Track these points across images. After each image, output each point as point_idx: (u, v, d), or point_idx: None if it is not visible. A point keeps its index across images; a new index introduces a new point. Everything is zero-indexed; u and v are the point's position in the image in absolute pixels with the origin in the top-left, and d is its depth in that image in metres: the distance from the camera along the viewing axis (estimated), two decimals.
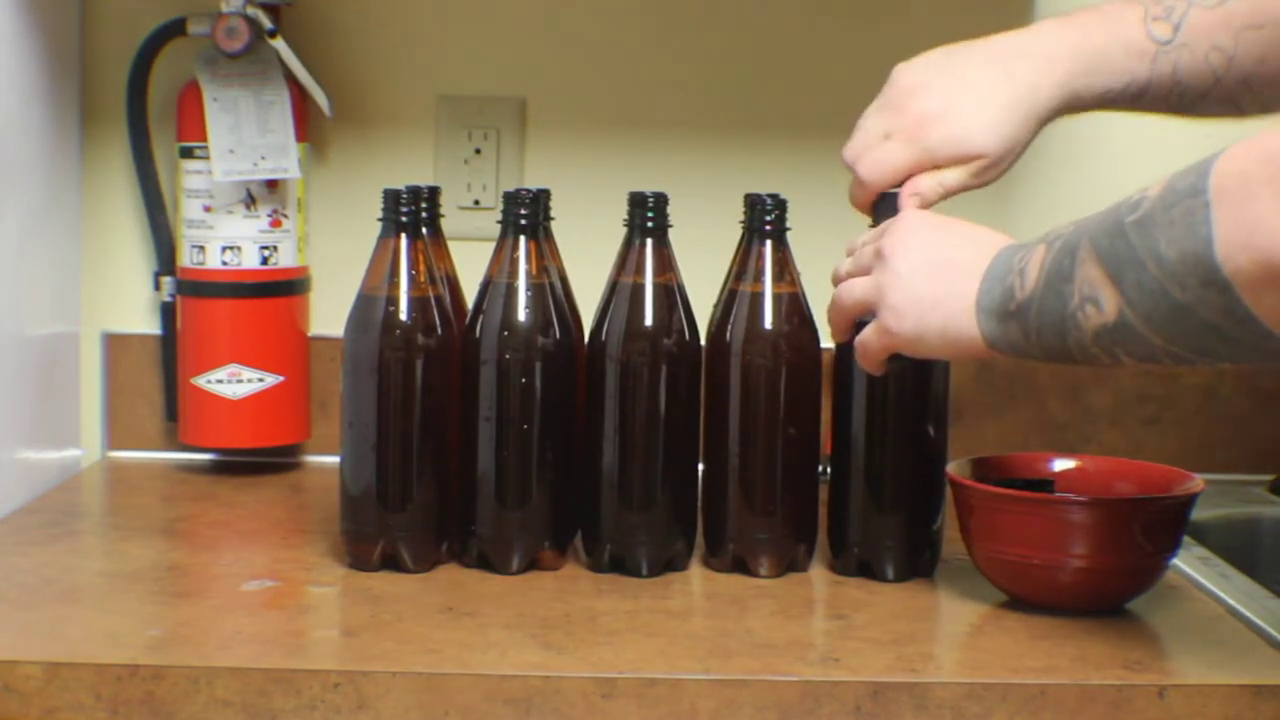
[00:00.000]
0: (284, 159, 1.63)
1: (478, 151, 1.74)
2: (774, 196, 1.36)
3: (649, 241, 1.35)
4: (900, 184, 1.28)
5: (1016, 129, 1.27)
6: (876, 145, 1.29)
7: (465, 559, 1.36)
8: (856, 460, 1.35)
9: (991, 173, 1.28)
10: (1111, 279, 1.04)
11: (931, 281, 1.19)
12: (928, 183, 1.28)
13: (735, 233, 1.38)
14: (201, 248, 1.65)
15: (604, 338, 1.35)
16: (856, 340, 1.25)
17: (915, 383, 1.34)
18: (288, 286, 1.67)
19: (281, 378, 1.67)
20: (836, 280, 1.28)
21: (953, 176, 1.28)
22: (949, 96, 1.28)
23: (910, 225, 1.23)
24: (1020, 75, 1.28)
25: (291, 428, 1.69)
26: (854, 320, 1.26)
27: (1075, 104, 1.28)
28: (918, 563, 1.35)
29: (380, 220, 1.35)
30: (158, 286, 1.70)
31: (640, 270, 1.35)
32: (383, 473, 1.34)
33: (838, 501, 1.36)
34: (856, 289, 1.24)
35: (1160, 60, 1.26)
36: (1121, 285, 1.04)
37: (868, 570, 1.35)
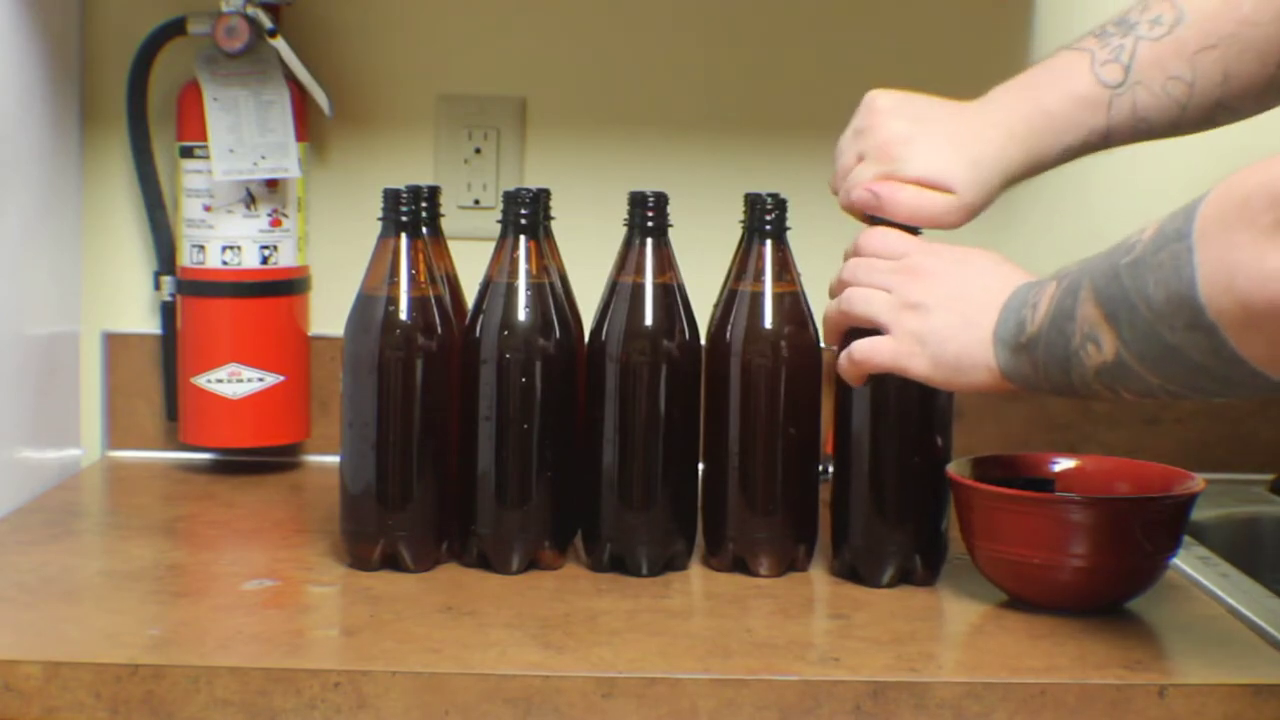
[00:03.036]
0: (284, 158, 1.63)
1: (478, 151, 1.74)
2: (774, 196, 1.36)
3: (649, 241, 1.35)
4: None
5: (982, 183, 1.27)
6: (851, 169, 1.30)
7: (465, 559, 1.36)
8: (859, 459, 1.34)
9: (955, 215, 1.28)
10: (1108, 319, 1.06)
11: (951, 316, 1.20)
12: (904, 193, 1.27)
13: (735, 233, 1.37)
14: (201, 247, 1.65)
15: (604, 338, 1.35)
16: (854, 348, 1.25)
17: (917, 381, 1.33)
18: (288, 286, 1.67)
19: (281, 377, 1.67)
20: (836, 289, 1.28)
21: (928, 197, 1.27)
22: (919, 125, 1.28)
23: (934, 253, 1.23)
24: (984, 139, 1.28)
25: (291, 427, 1.69)
26: (852, 328, 1.26)
27: (1038, 167, 1.29)
28: (924, 562, 1.35)
29: (380, 220, 1.35)
30: (158, 286, 1.70)
31: (640, 270, 1.35)
32: (383, 472, 1.34)
33: (840, 501, 1.36)
34: (873, 304, 1.24)
35: (1116, 104, 1.27)
36: (1117, 326, 1.05)
37: (873, 570, 1.35)
